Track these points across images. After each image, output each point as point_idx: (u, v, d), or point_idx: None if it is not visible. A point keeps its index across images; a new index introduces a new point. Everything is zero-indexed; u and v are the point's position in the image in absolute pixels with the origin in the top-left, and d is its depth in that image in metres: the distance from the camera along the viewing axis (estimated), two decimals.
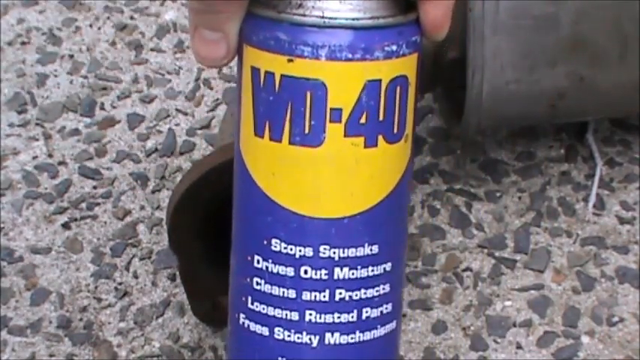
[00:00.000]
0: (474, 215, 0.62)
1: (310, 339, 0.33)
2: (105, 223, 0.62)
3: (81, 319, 0.58)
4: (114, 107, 0.69)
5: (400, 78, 0.32)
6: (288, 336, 0.33)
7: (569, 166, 0.64)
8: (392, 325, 0.36)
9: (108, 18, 0.75)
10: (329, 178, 0.32)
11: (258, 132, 0.32)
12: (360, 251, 0.33)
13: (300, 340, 0.33)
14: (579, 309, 0.57)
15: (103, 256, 0.61)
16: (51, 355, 0.56)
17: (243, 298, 0.34)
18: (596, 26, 0.54)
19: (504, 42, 0.54)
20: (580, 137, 0.65)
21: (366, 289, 0.34)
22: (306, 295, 0.33)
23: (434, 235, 0.61)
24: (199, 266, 0.53)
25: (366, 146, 0.32)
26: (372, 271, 0.34)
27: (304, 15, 0.31)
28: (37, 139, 0.67)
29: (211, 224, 0.51)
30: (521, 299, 0.58)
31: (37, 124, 0.68)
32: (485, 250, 0.60)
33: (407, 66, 0.32)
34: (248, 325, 0.34)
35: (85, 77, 0.71)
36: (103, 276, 0.60)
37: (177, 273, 0.55)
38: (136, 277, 0.60)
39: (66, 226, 0.62)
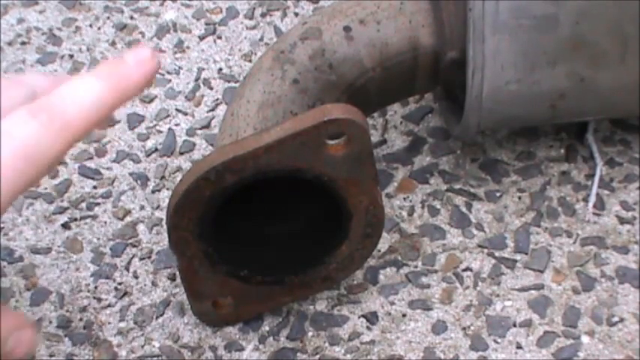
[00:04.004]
0: (474, 215, 0.62)
1: None
2: (105, 223, 0.62)
3: (81, 319, 0.58)
4: None
5: None
6: None
7: (569, 166, 0.64)
8: None
9: (108, 18, 0.75)
10: None
11: None
12: None
13: None
14: (579, 309, 0.57)
15: (103, 256, 0.61)
16: (51, 355, 0.56)
17: None
18: (597, 26, 0.54)
19: (504, 42, 0.54)
20: (580, 137, 0.65)
21: None
22: None
23: (434, 235, 0.61)
24: (199, 266, 0.53)
25: None
26: None
27: None
28: None
29: (211, 224, 0.51)
30: (521, 299, 0.58)
31: None
32: (485, 250, 0.60)
33: None
34: None
35: None
36: (103, 276, 0.60)
37: (177, 273, 0.55)
38: (136, 277, 0.60)
39: (66, 226, 0.62)
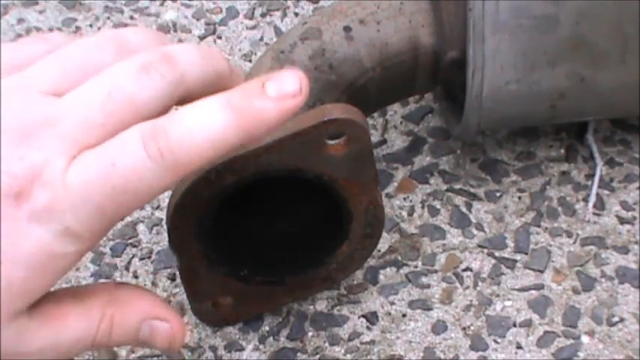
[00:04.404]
0: (474, 215, 0.62)
1: None
2: None
3: None
4: None
5: None
6: None
7: (569, 166, 0.64)
8: None
9: (108, 18, 0.75)
10: None
11: None
12: None
13: None
14: (579, 309, 0.57)
15: (103, 256, 0.61)
16: None
17: None
18: (597, 26, 0.54)
19: (504, 42, 0.54)
20: (580, 137, 0.65)
21: None
22: None
23: (434, 235, 0.61)
24: (199, 266, 0.53)
25: None
26: None
27: None
28: None
29: (211, 224, 0.51)
30: (521, 299, 0.58)
31: None
32: (485, 250, 0.60)
33: None
34: None
35: None
36: (103, 276, 0.60)
37: (177, 273, 0.55)
38: (136, 277, 0.60)
39: None
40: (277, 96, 0.34)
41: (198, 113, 0.33)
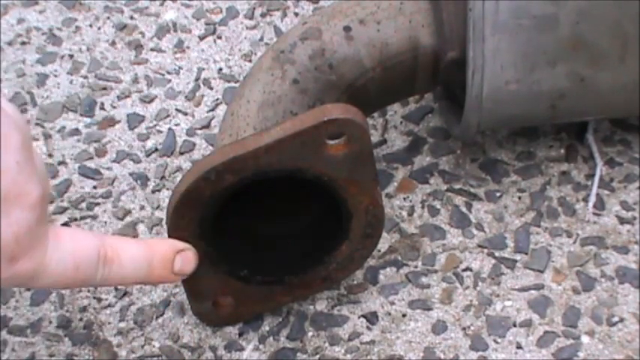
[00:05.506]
0: (474, 215, 0.62)
1: None
2: (105, 223, 0.62)
3: (81, 319, 0.58)
4: (114, 107, 0.69)
5: None
6: None
7: (569, 166, 0.64)
8: None
9: (108, 18, 0.75)
10: None
11: None
12: None
13: None
14: (579, 309, 0.57)
15: None
16: (51, 355, 0.56)
17: None
18: (597, 26, 0.54)
19: (504, 42, 0.54)
20: (580, 137, 0.65)
21: None
22: None
23: (434, 235, 0.61)
24: (199, 266, 0.53)
25: None
26: None
27: None
28: (37, 139, 0.67)
29: (211, 224, 0.51)
30: (521, 299, 0.58)
31: (37, 124, 0.68)
32: (486, 250, 0.60)
33: None
34: None
35: (85, 77, 0.71)
36: None
37: None
38: None
39: (66, 226, 0.62)
40: (177, 272, 0.50)
41: (133, 266, 0.48)
